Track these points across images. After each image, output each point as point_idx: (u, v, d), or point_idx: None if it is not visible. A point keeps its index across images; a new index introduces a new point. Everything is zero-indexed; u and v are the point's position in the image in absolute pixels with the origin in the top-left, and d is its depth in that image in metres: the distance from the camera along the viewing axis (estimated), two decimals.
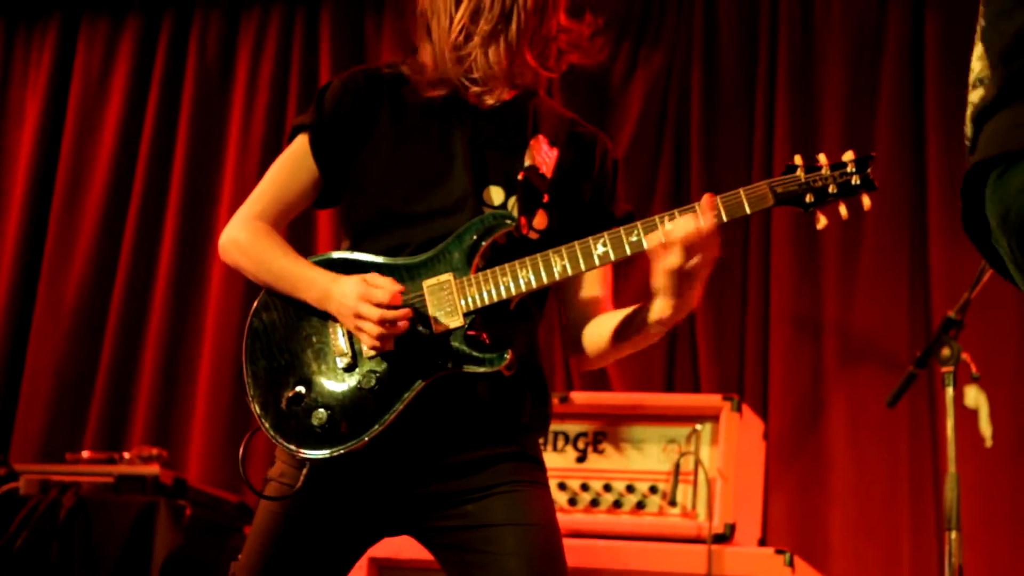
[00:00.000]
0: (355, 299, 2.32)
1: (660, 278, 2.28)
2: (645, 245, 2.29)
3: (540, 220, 2.49)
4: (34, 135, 6.26)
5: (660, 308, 2.31)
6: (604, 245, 2.34)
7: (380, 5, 5.99)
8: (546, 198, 2.49)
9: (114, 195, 6.12)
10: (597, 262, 2.34)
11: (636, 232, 2.31)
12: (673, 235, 2.23)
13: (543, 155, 2.51)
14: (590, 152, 2.60)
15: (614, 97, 5.58)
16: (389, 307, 2.32)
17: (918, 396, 4.82)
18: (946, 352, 3.65)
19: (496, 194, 2.48)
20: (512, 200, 2.48)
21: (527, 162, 2.49)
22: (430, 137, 2.51)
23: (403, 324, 2.33)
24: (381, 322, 2.30)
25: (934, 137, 5.09)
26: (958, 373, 3.65)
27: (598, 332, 2.53)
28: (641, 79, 5.55)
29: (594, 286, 2.57)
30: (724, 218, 2.27)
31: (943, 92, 5.10)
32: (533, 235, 2.47)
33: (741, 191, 2.28)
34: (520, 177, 2.48)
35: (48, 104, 6.31)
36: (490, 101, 2.49)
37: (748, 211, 2.28)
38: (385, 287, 2.33)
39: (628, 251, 2.32)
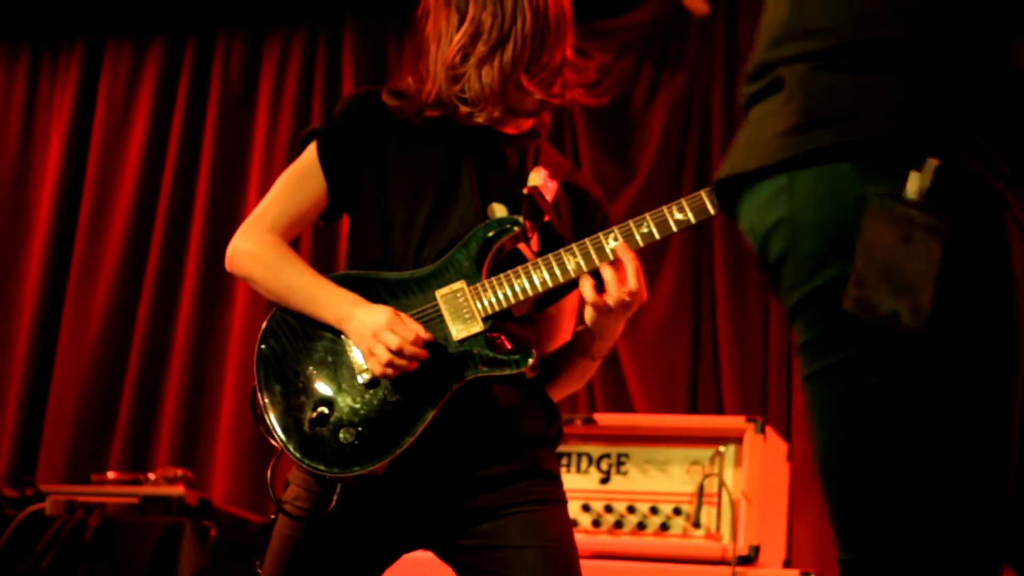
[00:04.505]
0: (380, 324, 2.34)
1: (589, 313, 2.40)
2: (656, 235, 2.38)
3: (535, 241, 2.51)
4: (59, 160, 6.31)
5: (589, 339, 2.47)
6: (616, 239, 2.38)
7: (401, 28, 6.03)
8: (547, 218, 2.52)
9: (139, 219, 6.16)
10: (611, 256, 2.38)
11: (646, 224, 2.38)
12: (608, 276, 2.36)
13: (545, 182, 2.54)
14: (584, 200, 2.63)
15: (635, 119, 5.59)
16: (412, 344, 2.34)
17: None
18: None
19: (500, 210, 2.51)
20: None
21: (531, 183, 2.52)
22: (436, 153, 2.53)
23: (414, 364, 2.34)
24: (399, 352, 2.32)
25: None
26: None
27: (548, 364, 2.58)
28: (663, 102, 5.57)
29: (566, 311, 2.61)
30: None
31: None
32: (529, 255, 2.48)
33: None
34: (524, 192, 2.51)
35: (73, 128, 6.36)
36: (479, 119, 2.50)
37: None
38: (412, 326, 2.35)
39: (640, 243, 2.38)
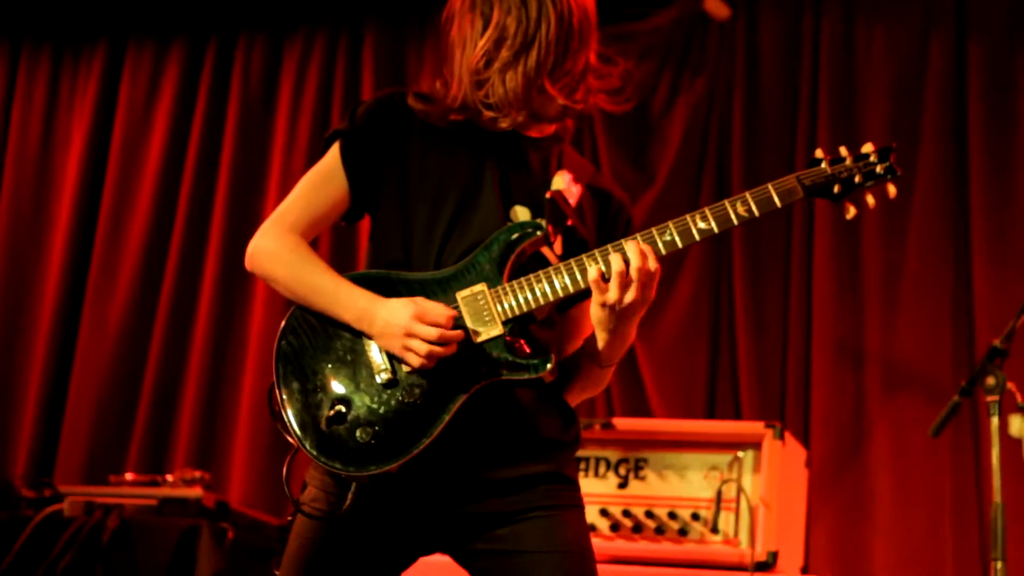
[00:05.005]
0: (408, 319, 2.34)
1: (596, 312, 2.38)
2: (679, 243, 2.37)
3: (558, 245, 2.50)
4: (80, 160, 6.33)
5: (598, 343, 2.44)
6: None
7: (422, 33, 6.04)
8: (570, 222, 2.52)
9: (158, 220, 6.18)
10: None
11: (669, 232, 2.38)
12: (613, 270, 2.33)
13: (568, 186, 2.54)
14: (607, 204, 2.63)
15: (655, 124, 5.59)
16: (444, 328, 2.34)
17: (961, 425, 4.79)
18: (991, 381, 3.63)
19: (522, 213, 2.51)
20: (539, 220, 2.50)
21: (554, 187, 2.52)
22: (459, 155, 2.54)
23: (452, 348, 2.35)
24: (440, 340, 2.32)
25: (977, 164, 5.07)
26: (1003, 402, 3.63)
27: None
28: (683, 106, 5.56)
29: (589, 314, 2.60)
30: (756, 213, 2.37)
31: (986, 119, 5.08)
32: (552, 258, 2.48)
33: (770, 185, 2.37)
34: (548, 196, 2.50)
35: (94, 129, 6.38)
36: (503, 125, 2.51)
37: (779, 204, 2.38)
38: (439, 309, 2.35)
39: (663, 251, 2.38)
